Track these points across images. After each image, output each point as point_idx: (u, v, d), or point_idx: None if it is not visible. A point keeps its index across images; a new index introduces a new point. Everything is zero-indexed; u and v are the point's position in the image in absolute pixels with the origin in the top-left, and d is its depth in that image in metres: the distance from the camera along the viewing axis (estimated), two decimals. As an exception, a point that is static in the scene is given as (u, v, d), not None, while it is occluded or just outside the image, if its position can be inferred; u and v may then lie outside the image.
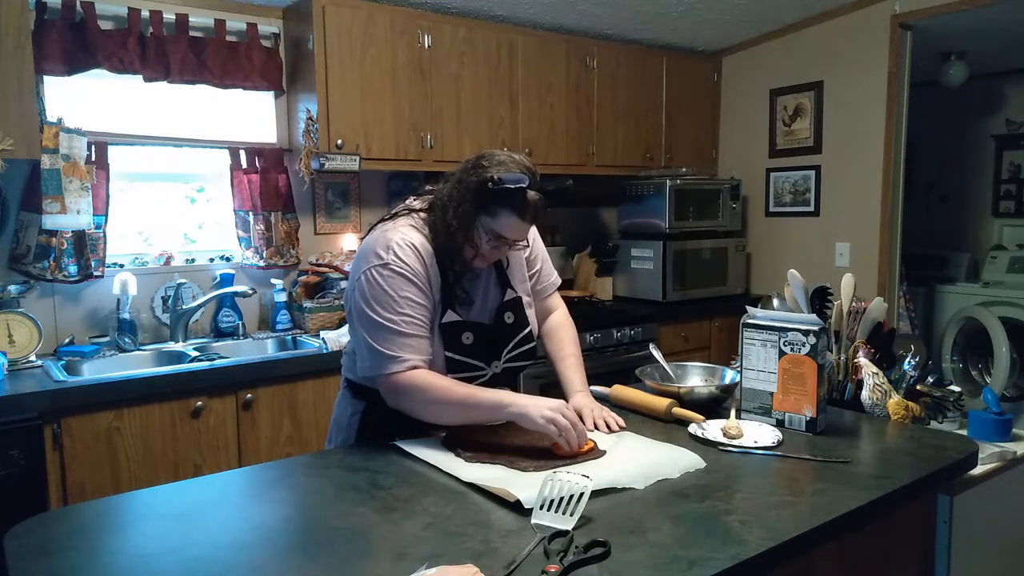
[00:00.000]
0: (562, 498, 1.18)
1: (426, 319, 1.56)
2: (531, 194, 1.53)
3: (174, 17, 2.83)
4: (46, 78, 2.65)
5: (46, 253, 2.64)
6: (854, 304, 1.93)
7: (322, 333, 2.89)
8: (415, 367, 1.53)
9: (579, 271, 4.10)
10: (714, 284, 4.08)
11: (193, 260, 3.09)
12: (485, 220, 1.55)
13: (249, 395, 2.54)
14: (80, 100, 2.78)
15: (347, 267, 3.10)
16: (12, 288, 2.55)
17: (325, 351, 2.73)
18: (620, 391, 1.87)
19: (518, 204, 1.52)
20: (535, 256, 1.84)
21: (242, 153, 3.10)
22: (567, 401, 1.73)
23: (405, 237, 1.57)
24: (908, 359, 1.84)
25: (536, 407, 1.47)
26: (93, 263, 2.75)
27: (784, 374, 1.64)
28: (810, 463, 1.45)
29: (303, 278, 3.17)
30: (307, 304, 3.06)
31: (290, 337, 3.03)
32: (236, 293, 2.98)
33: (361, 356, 1.58)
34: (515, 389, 1.80)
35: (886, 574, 1.49)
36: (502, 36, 3.46)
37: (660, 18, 3.75)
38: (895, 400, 1.74)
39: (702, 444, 1.55)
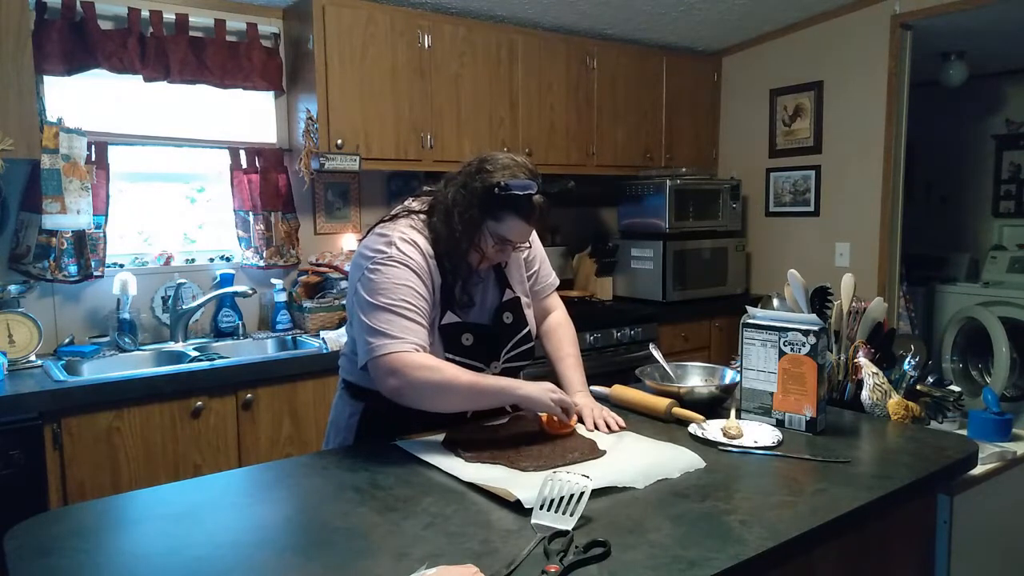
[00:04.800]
0: (562, 498, 1.18)
1: (427, 312, 1.55)
2: (536, 197, 1.54)
3: (174, 17, 2.83)
4: (46, 78, 2.65)
5: (46, 253, 2.64)
6: (854, 304, 1.93)
7: (322, 333, 2.89)
8: (421, 350, 1.50)
9: (579, 271, 4.10)
10: (714, 284, 4.08)
11: (193, 260, 3.09)
12: (491, 224, 1.56)
13: (249, 395, 2.54)
14: (80, 100, 2.78)
15: (347, 267, 3.10)
16: (12, 288, 2.55)
17: (325, 351, 2.73)
18: (620, 391, 1.87)
19: (524, 208, 1.54)
20: (533, 256, 1.84)
21: (242, 153, 3.10)
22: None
23: (407, 235, 1.57)
24: (908, 359, 1.84)
25: (542, 391, 1.53)
26: (93, 263, 2.75)
27: (784, 374, 1.64)
28: (810, 463, 1.45)
29: (303, 278, 3.17)
30: (307, 304, 3.06)
31: (290, 337, 3.03)
32: (236, 293, 2.98)
33: (361, 344, 1.52)
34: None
35: (886, 574, 1.49)
36: (502, 36, 3.46)
37: (660, 18, 3.75)
38: (895, 400, 1.74)
39: (702, 444, 1.55)
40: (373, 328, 1.49)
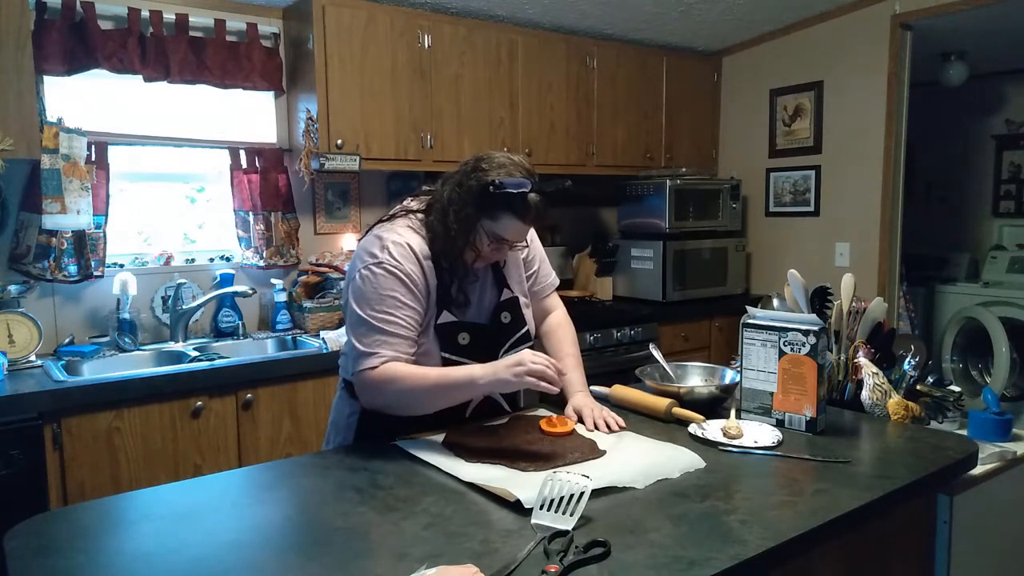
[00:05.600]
0: (562, 498, 1.18)
1: (412, 320, 1.55)
2: (532, 196, 1.53)
3: (174, 17, 2.83)
4: (46, 78, 2.64)
5: (46, 253, 2.64)
6: (854, 304, 1.93)
7: (322, 333, 2.89)
8: (388, 363, 1.52)
9: (579, 271, 4.10)
10: (714, 284, 4.08)
11: (193, 260, 3.09)
12: (486, 223, 1.56)
13: (249, 395, 2.54)
14: (80, 100, 2.78)
15: (347, 267, 3.10)
16: (12, 288, 2.55)
17: (325, 351, 2.73)
18: (620, 391, 1.87)
19: (519, 207, 1.53)
20: (533, 256, 1.84)
21: (242, 153, 3.10)
22: (567, 402, 1.74)
23: (401, 238, 1.58)
24: (908, 359, 1.84)
25: (506, 369, 1.45)
26: (93, 263, 2.75)
27: (784, 374, 1.64)
28: (810, 463, 1.45)
29: (303, 278, 3.17)
30: (307, 304, 3.06)
31: (290, 337, 3.03)
32: (236, 293, 2.98)
33: (348, 356, 1.60)
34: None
35: (886, 574, 1.49)
36: (502, 36, 3.46)
37: (660, 18, 3.75)
38: (895, 400, 1.74)
39: (702, 444, 1.55)
40: (353, 345, 1.55)
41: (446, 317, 1.61)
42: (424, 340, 1.59)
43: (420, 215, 1.64)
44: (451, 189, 1.59)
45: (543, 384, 1.43)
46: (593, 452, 1.48)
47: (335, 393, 1.81)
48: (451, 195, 1.58)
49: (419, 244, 1.59)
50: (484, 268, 1.69)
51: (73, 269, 2.70)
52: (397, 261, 1.54)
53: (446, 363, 1.61)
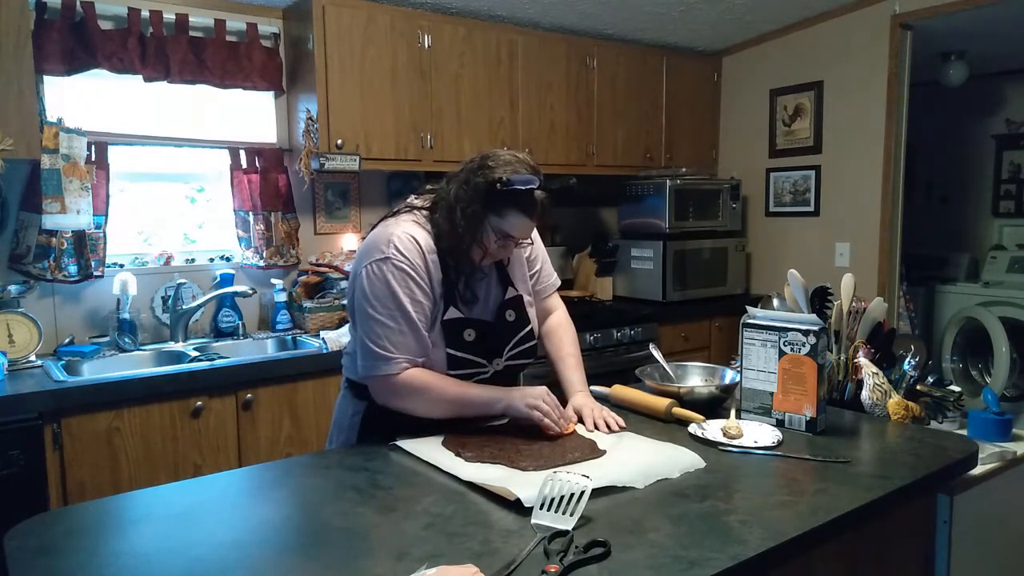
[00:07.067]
0: (562, 498, 1.18)
1: (424, 316, 1.57)
2: (538, 193, 1.55)
3: (174, 17, 2.83)
4: (46, 78, 2.64)
5: (46, 253, 2.64)
6: (854, 304, 1.93)
7: (322, 333, 2.89)
8: (408, 368, 1.55)
9: (579, 271, 4.10)
10: (714, 284, 4.08)
11: (193, 260, 3.09)
12: (493, 220, 1.57)
13: (249, 395, 2.54)
14: (80, 100, 2.78)
15: (347, 267, 3.10)
16: (12, 288, 2.55)
17: (325, 351, 2.73)
18: (620, 391, 1.87)
19: (526, 204, 1.55)
20: (535, 256, 1.84)
21: (242, 153, 3.10)
22: (567, 401, 1.74)
23: (408, 232, 1.58)
24: (908, 359, 1.84)
25: (521, 398, 1.57)
26: (93, 263, 2.75)
27: (784, 374, 1.64)
28: (810, 463, 1.45)
29: (303, 278, 3.17)
30: (307, 304, 3.06)
31: (290, 337, 3.03)
32: (236, 293, 2.98)
33: (359, 353, 1.61)
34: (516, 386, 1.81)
35: (886, 574, 1.49)
36: (502, 36, 3.46)
37: (660, 18, 3.75)
38: (895, 400, 1.74)
39: (702, 444, 1.55)
40: (369, 346, 1.55)
41: (452, 313, 1.62)
42: (430, 335, 1.59)
43: (425, 212, 1.65)
44: (458, 187, 1.60)
45: (545, 421, 1.55)
46: (593, 452, 1.48)
47: (335, 393, 1.81)
48: (458, 192, 1.59)
49: (425, 239, 1.60)
50: (489, 266, 1.69)
51: (73, 269, 2.70)
52: (404, 256, 1.55)
53: (451, 359, 1.61)
